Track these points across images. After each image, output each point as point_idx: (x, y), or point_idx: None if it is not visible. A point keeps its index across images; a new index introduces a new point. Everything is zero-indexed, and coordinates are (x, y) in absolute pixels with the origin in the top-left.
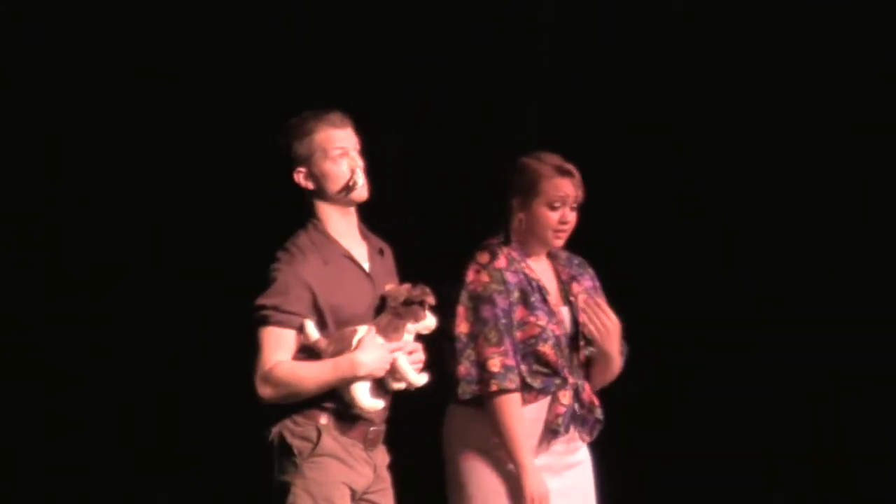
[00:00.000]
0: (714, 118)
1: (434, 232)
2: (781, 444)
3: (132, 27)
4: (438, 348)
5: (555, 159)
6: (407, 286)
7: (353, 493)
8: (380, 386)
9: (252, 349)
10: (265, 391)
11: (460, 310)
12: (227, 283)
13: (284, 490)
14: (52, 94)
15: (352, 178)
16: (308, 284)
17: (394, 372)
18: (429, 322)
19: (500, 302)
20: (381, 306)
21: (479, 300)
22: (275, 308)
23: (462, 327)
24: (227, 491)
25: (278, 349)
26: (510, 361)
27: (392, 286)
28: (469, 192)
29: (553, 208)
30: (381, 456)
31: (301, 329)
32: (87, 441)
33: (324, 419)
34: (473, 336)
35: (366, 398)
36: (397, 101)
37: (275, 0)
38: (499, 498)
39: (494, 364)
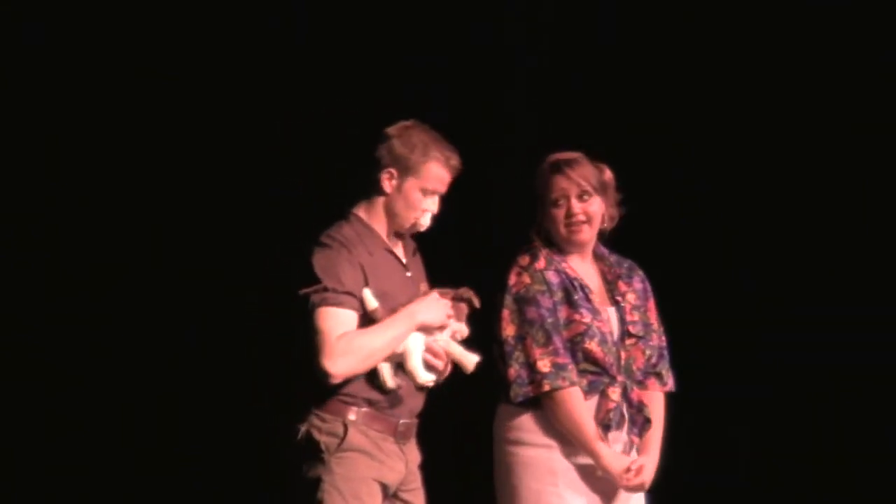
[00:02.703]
0: (714, 118)
1: (433, 231)
2: (781, 444)
3: (132, 27)
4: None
5: (552, 157)
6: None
7: (386, 488)
8: (425, 370)
9: (311, 332)
10: (337, 364)
11: (505, 313)
12: (227, 283)
13: (314, 487)
14: (52, 94)
15: (420, 221)
16: (361, 266)
17: (448, 351)
18: (462, 328)
19: (544, 302)
20: None
21: (522, 302)
22: (333, 290)
23: (508, 330)
24: (227, 491)
25: (340, 328)
26: (561, 359)
27: (426, 286)
28: (468, 193)
29: (557, 206)
30: (414, 453)
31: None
32: (87, 441)
33: (352, 414)
34: (520, 338)
35: (389, 377)
36: (397, 101)
37: (275, 0)
38: (552, 496)
39: (544, 364)
